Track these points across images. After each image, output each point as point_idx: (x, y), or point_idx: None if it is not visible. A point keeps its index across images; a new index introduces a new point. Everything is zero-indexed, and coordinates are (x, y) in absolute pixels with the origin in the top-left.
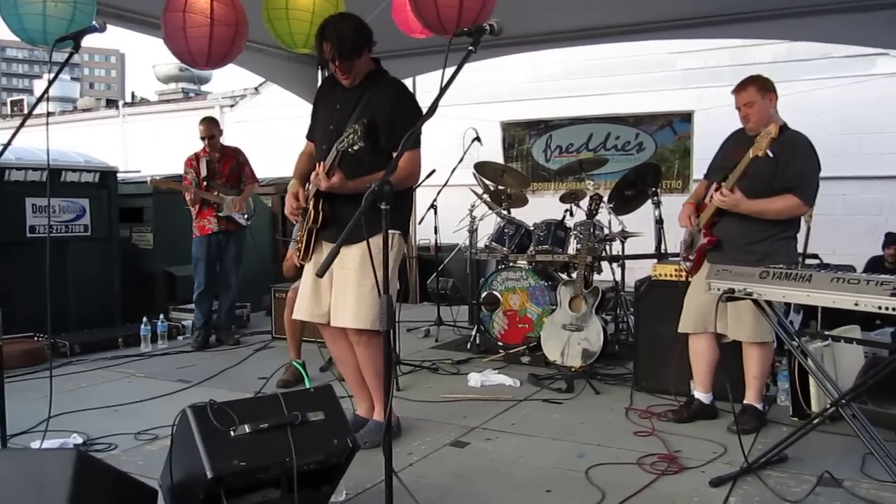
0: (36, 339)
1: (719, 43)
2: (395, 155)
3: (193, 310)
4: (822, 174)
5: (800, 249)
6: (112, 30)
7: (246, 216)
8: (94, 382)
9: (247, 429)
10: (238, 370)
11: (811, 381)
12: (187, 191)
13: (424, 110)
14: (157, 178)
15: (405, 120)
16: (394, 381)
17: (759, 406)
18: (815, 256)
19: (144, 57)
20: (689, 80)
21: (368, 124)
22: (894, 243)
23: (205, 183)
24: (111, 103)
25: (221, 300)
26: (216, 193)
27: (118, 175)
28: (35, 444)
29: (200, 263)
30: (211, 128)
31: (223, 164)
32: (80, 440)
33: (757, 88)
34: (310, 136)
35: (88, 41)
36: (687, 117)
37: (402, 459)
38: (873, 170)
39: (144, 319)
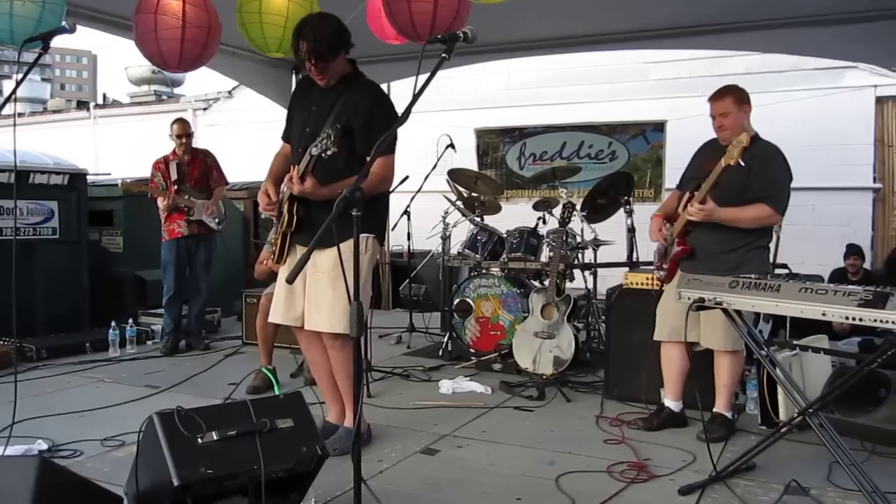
0: (2, 342)
1: (693, 54)
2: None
3: (163, 314)
4: (792, 185)
5: (770, 260)
6: (84, 30)
7: (217, 220)
8: (61, 387)
9: (214, 436)
10: (207, 376)
11: (779, 390)
12: (160, 195)
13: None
14: (128, 180)
15: (381, 124)
16: (365, 388)
17: (729, 414)
18: (784, 266)
19: (117, 58)
20: (662, 89)
21: (343, 129)
22: (855, 254)
23: (175, 187)
24: (82, 105)
25: (191, 305)
26: (187, 197)
27: (88, 177)
28: None
29: (170, 267)
30: (186, 127)
31: (192, 167)
32: (44, 446)
33: (734, 99)
34: (285, 138)
35: (60, 41)
36: (660, 127)
37: (372, 466)
38: (842, 181)
39: (113, 324)
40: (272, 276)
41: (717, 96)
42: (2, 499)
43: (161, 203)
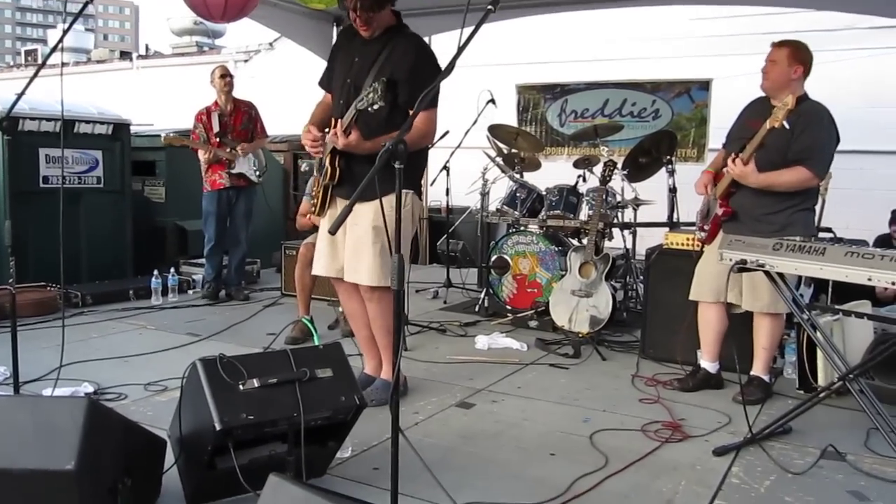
0: (48, 288)
1: (741, 10)
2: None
3: (204, 264)
4: (840, 147)
5: (815, 223)
6: None
7: (257, 172)
8: (105, 333)
9: (255, 383)
10: (247, 325)
11: (819, 354)
12: (202, 148)
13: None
14: (171, 134)
15: (425, 77)
16: (402, 341)
17: (766, 378)
18: (829, 230)
19: (158, 10)
20: (708, 47)
21: (388, 82)
22: None
23: (216, 139)
24: (125, 55)
25: (231, 256)
26: (228, 150)
27: (131, 128)
28: (47, 392)
29: (211, 218)
30: (227, 69)
31: (235, 119)
32: (90, 389)
33: (789, 52)
34: (323, 85)
35: None
36: (705, 85)
37: (407, 418)
38: (892, 145)
39: (155, 272)
40: (314, 228)
41: (778, 44)
42: (53, 437)
43: (202, 156)
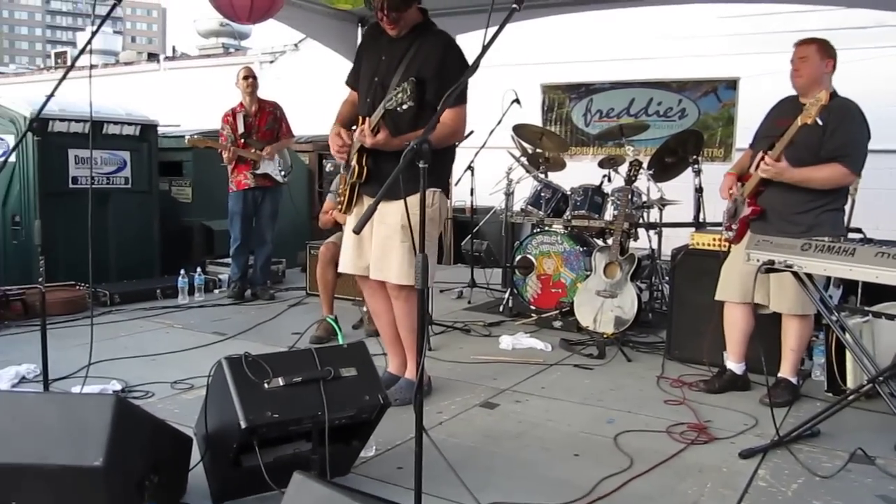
0: (77, 287)
1: (769, 8)
2: (445, 112)
3: (230, 264)
4: (870, 147)
5: (844, 223)
6: None
7: (282, 172)
8: (133, 332)
9: (280, 382)
10: (272, 325)
11: (848, 356)
12: (224, 149)
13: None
14: (195, 136)
15: (452, 74)
16: (426, 341)
17: (794, 380)
18: (859, 231)
19: (185, 12)
20: (735, 46)
21: (417, 82)
22: None
23: (242, 140)
24: (152, 57)
25: (257, 256)
26: (253, 150)
27: (158, 129)
28: (76, 389)
29: (237, 218)
30: (251, 70)
31: (260, 119)
32: (118, 387)
33: (818, 47)
34: (351, 83)
35: None
36: (732, 84)
37: (431, 418)
38: None
39: (182, 272)
40: (336, 226)
41: (803, 41)
42: (81, 434)
43: (225, 156)
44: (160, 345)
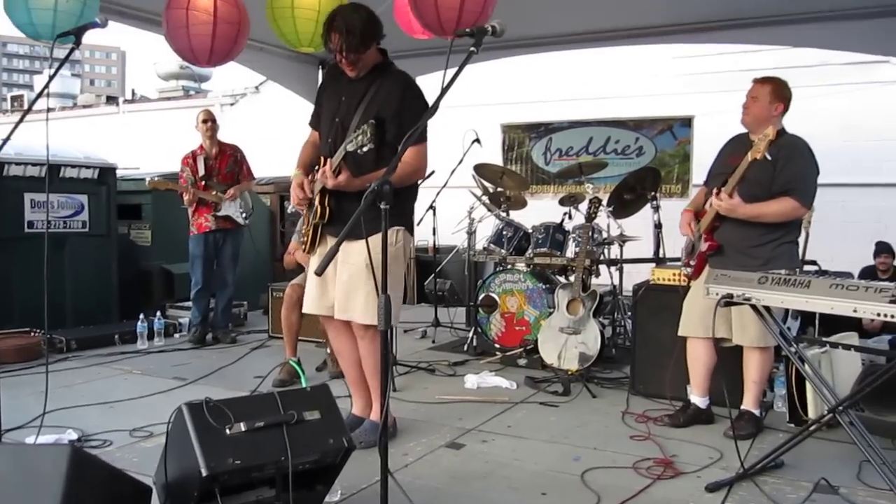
0: (32, 334)
1: (721, 48)
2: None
3: (190, 307)
4: (821, 181)
5: (799, 255)
6: (113, 26)
7: (244, 214)
8: (90, 379)
9: (242, 427)
10: (234, 368)
11: (808, 387)
12: (185, 191)
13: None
14: (156, 178)
15: (412, 114)
16: (390, 382)
17: (757, 412)
18: (814, 263)
19: (145, 54)
20: (689, 84)
21: (377, 123)
22: (885, 252)
23: (202, 182)
24: (111, 100)
25: (218, 298)
26: (214, 193)
27: (117, 172)
28: (30, 440)
29: (197, 261)
30: (211, 113)
31: (220, 162)
32: (74, 436)
33: (771, 89)
34: (313, 125)
35: (89, 38)
36: (687, 122)
37: (397, 460)
38: (872, 177)
39: (141, 316)
40: (300, 267)
41: (760, 80)
42: (35, 486)
43: (185, 198)
44: (118, 392)
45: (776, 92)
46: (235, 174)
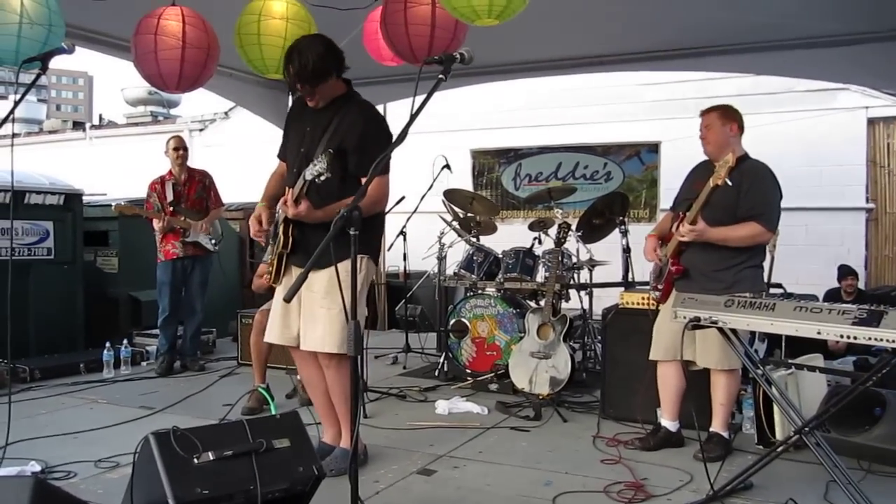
0: None
1: (686, 76)
2: (363, 181)
3: (158, 335)
4: (785, 205)
5: (764, 278)
6: (81, 52)
7: (213, 241)
8: (55, 409)
9: (210, 456)
10: (203, 396)
11: (775, 409)
12: (156, 216)
13: (395, 136)
14: (122, 203)
15: (374, 145)
16: (361, 408)
17: (725, 434)
18: (779, 286)
19: (113, 80)
20: (656, 111)
21: (336, 153)
22: (849, 275)
23: (170, 208)
24: (78, 125)
25: (186, 326)
26: (182, 219)
27: (84, 198)
28: None
29: (165, 288)
30: (181, 141)
31: (189, 188)
32: (38, 468)
33: (719, 115)
34: (281, 156)
35: (56, 63)
36: (654, 148)
37: (368, 487)
38: (835, 201)
39: (108, 345)
40: (270, 291)
41: (705, 111)
42: None
43: (156, 225)
44: (83, 422)
45: (725, 115)
46: (204, 200)
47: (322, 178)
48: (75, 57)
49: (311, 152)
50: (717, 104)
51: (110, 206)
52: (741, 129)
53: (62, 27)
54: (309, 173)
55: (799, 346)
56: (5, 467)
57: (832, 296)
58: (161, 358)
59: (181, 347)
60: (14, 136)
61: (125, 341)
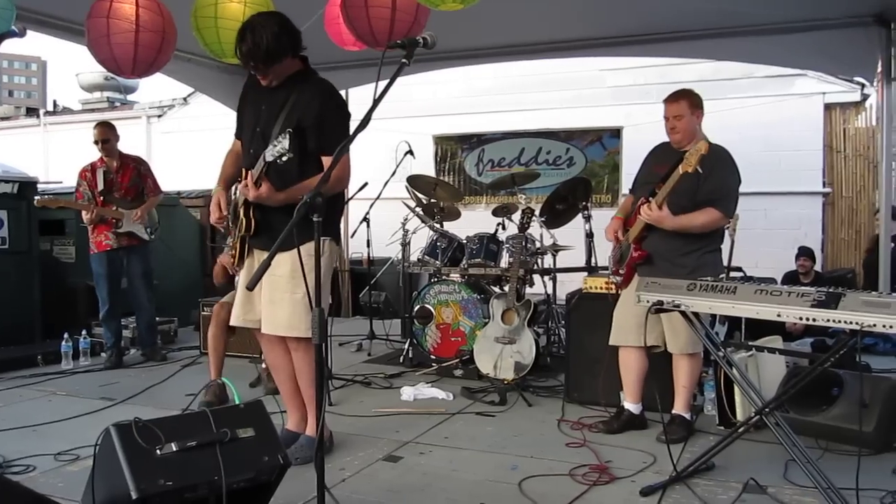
0: None
1: (647, 61)
2: (325, 161)
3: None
4: (744, 189)
5: (724, 262)
6: (33, 36)
7: (149, 230)
8: (12, 401)
9: (173, 447)
10: (164, 387)
11: (736, 390)
12: (84, 208)
13: (356, 121)
14: (47, 196)
15: (333, 123)
16: (326, 396)
17: (687, 416)
18: (739, 269)
19: (67, 65)
20: (618, 96)
21: (294, 132)
22: (805, 255)
23: (101, 197)
24: (32, 112)
25: (138, 319)
26: (114, 208)
27: (38, 186)
28: None
29: (101, 281)
30: (105, 131)
31: (122, 176)
32: None
33: (688, 103)
34: (238, 135)
35: (7, 47)
36: (616, 133)
37: (334, 475)
38: (793, 186)
39: (66, 335)
40: (229, 280)
41: (672, 99)
42: None
43: (85, 216)
44: (42, 414)
45: (693, 103)
46: (139, 188)
47: (284, 159)
48: (27, 41)
49: (267, 132)
50: (681, 90)
51: (66, 194)
52: (703, 114)
53: (11, 10)
54: (269, 154)
55: (758, 328)
56: None
57: (789, 278)
58: (109, 352)
59: (138, 339)
60: None
61: (84, 332)
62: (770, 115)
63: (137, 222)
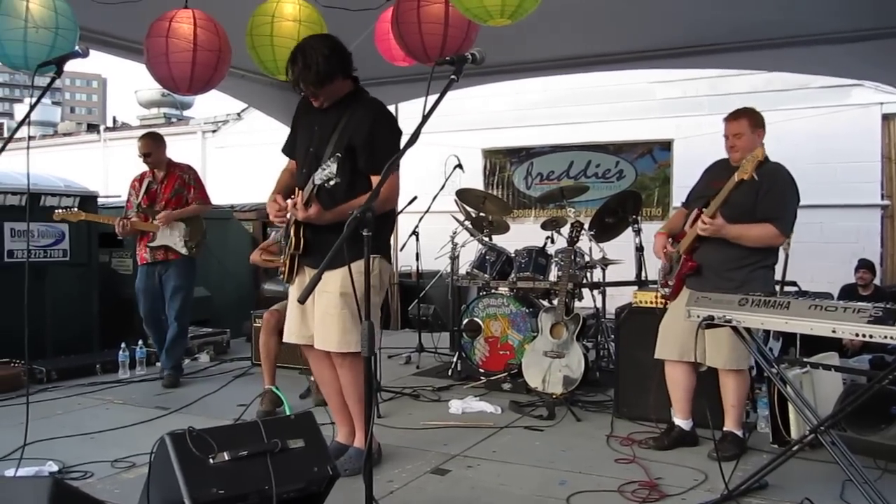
0: (12, 364)
1: (698, 73)
2: (373, 181)
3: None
4: (800, 203)
5: (778, 276)
6: (94, 55)
7: (189, 243)
8: (71, 409)
9: (226, 456)
10: (217, 397)
11: (791, 408)
12: (106, 220)
13: (406, 136)
14: (73, 210)
15: (384, 142)
16: (375, 408)
17: (740, 433)
18: (794, 284)
19: (126, 82)
20: (668, 109)
21: (344, 156)
22: (865, 267)
23: (141, 208)
24: (92, 128)
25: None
26: (151, 221)
27: (98, 199)
28: (10, 472)
29: (139, 294)
30: (148, 144)
31: (165, 186)
32: (55, 468)
33: (749, 122)
34: (286, 151)
35: (71, 66)
36: (666, 146)
37: (382, 487)
38: (850, 198)
39: (123, 345)
40: (280, 294)
41: (733, 117)
42: None
43: (117, 229)
44: (99, 422)
45: (754, 121)
46: (184, 198)
47: (331, 182)
48: (89, 60)
49: (320, 152)
50: (742, 108)
51: (124, 208)
52: (765, 133)
53: (74, 31)
54: (318, 178)
55: (814, 344)
56: (23, 468)
57: (847, 291)
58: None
59: (159, 358)
60: (30, 138)
61: (140, 342)
62: (826, 127)
63: (161, 225)
